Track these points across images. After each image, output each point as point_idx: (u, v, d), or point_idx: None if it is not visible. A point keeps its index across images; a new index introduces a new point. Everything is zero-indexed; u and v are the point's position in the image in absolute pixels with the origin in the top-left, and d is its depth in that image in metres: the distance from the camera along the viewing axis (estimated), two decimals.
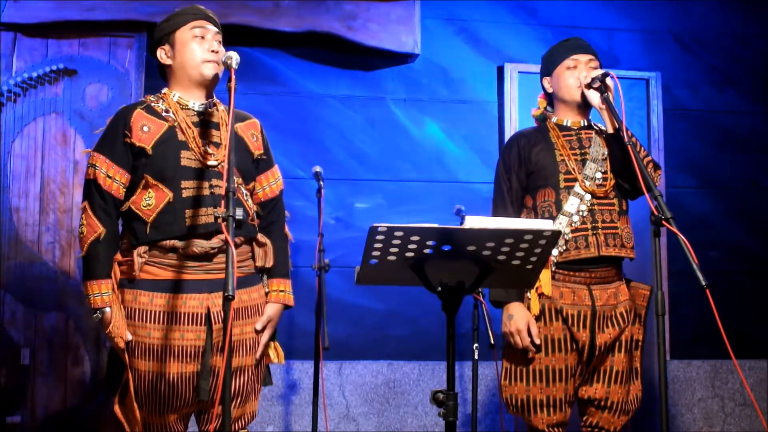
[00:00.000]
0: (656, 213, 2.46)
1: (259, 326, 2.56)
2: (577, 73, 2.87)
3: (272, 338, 2.64)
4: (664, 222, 2.44)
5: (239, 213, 2.13)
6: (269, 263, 2.62)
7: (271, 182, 2.69)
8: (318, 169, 3.66)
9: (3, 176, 3.91)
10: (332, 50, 4.29)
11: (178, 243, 2.42)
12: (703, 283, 2.31)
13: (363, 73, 4.35)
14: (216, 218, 2.34)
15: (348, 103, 4.33)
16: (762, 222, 4.60)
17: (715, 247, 4.52)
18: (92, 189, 2.48)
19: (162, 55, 2.58)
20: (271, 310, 2.60)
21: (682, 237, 2.35)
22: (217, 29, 2.59)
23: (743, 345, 4.35)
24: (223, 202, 2.16)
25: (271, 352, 2.64)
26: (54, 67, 3.99)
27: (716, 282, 3.68)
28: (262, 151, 2.65)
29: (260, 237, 2.60)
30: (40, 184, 3.94)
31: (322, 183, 3.62)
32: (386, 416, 4.15)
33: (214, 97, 2.63)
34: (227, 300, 2.04)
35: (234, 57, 2.38)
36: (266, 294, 2.63)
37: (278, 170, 2.74)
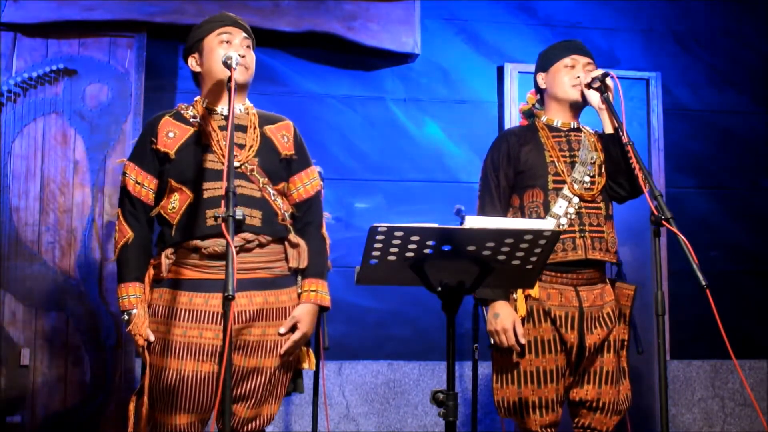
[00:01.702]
0: (656, 213, 2.46)
1: (282, 330, 2.52)
2: (574, 73, 2.88)
3: (306, 344, 2.61)
4: (664, 222, 2.45)
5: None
6: (303, 264, 2.59)
7: (306, 183, 2.70)
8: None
9: (3, 176, 3.91)
10: (332, 50, 4.29)
11: (200, 243, 2.46)
12: (703, 283, 2.31)
13: (363, 73, 4.35)
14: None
15: (348, 103, 4.32)
16: (762, 222, 4.60)
17: (715, 247, 4.52)
18: (124, 196, 2.58)
19: (192, 63, 2.64)
20: (299, 310, 2.55)
21: (682, 237, 2.35)
22: (246, 34, 2.64)
23: (743, 345, 4.34)
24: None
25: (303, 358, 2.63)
26: (54, 67, 3.98)
27: (716, 282, 3.67)
28: (292, 152, 2.66)
29: (292, 237, 2.59)
30: (40, 184, 3.94)
31: (322, 183, 3.61)
32: (386, 416, 4.14)
33: (247, 102, 2.68)
34: (227, 300, 2.05)
35: (234, 57, 2.41)
36: (299, 295, 2.59)
37: (315, 170, 2.75)
